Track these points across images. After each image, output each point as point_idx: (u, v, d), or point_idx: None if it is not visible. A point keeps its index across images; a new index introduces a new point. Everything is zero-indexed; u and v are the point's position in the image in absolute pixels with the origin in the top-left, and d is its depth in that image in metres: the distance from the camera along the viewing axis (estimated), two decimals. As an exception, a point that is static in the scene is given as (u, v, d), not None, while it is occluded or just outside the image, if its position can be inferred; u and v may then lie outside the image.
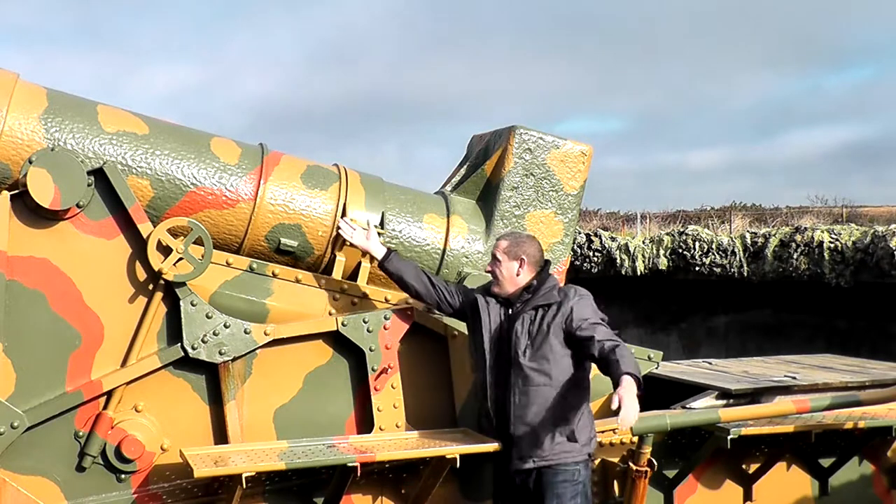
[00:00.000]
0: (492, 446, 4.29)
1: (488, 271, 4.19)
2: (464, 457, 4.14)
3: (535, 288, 4.06)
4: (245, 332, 4.18)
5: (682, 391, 5.41)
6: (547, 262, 4.19)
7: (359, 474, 4.05)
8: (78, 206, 3.99)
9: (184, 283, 4.08)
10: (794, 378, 5.62)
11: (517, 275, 4.08)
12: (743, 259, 16.53)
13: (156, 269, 4.03)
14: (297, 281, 4.35)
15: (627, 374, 3.72)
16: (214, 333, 4.13)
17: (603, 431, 4.78)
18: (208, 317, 4.12)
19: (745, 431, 4.63)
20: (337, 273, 4.50)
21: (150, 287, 4.10)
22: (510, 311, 4.07)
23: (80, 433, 4.04)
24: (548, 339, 3.95)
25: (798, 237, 15.60)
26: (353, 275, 4.58)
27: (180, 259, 4.07)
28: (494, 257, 4.14)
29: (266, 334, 4.22)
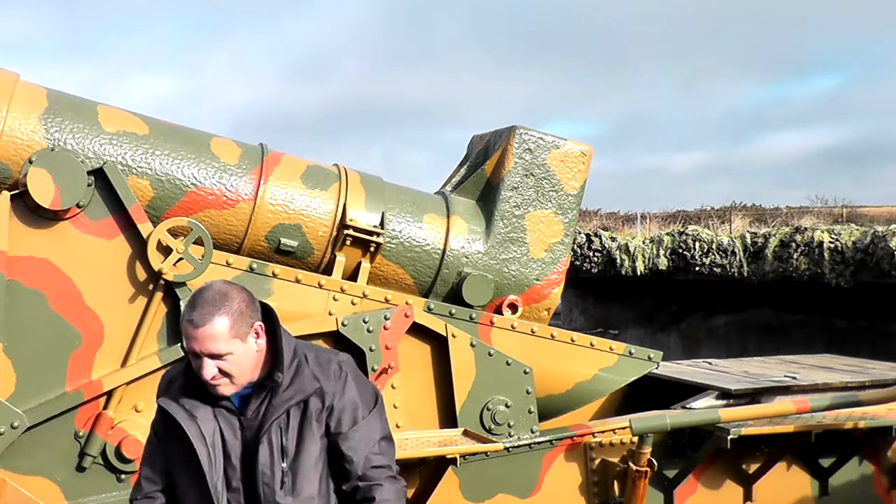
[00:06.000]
0: (494, 446, 4.30)
1: (201, 372, 2.48)
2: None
3: (274, 366, 2.55)
4: (245, 332, 4.17)
5: (682, 391, 5.41)
6: (270, 314, 2.60)
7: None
8: (78, 206, 3.99)
9: (184, 284, 4.08)
10: (794, 378, 5.62)
11: (258, 350, 2.53)
12: (743, 259, 16.52)
13: (156, 269, 4.03)
14: (297, 281, 4.35)
15: None
16: (214, 333, 4.12)
17: (603, 431, 4.79)
18: (208, 317, 4.12)
19: (745, 431, 4.63)
20: (337, 273, 4.50)
21: (151, 287, 4.10)
22: (241, 420, 2.55)
23: (81, 433, 4.04)
24: (308, 452, 2.55)
25: (798, 237, 15.60)
26: (353, 275, 4.58)
27: (180, 259, 4.07)
28: (212, 355, 2.45)
29: (266, 334, 4.21)
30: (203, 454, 2.49)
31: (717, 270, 16.78)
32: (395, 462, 2.63)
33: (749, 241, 16.58)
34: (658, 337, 18.68)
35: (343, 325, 4.33)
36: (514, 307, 4.76)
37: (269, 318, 2.58)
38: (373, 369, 4.36)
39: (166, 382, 2.65)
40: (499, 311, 4.75)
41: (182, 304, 4.06)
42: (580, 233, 18.42)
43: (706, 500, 5.00)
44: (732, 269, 16.61)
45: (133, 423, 4.06)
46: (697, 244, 17.09)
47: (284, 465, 2.52)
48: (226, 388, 2.50)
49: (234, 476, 2.54)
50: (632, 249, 18.04)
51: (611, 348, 4.90)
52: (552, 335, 4.78)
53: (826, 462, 5.23)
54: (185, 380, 2.58)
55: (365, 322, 4.37)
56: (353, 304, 4.43)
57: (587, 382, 4.85)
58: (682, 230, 18.03)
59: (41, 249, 3.97)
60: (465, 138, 5.41)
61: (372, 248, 4.57)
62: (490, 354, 4.57)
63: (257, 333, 2.52)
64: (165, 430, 2.60)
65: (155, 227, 4.08)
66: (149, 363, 4.08)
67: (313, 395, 2.55)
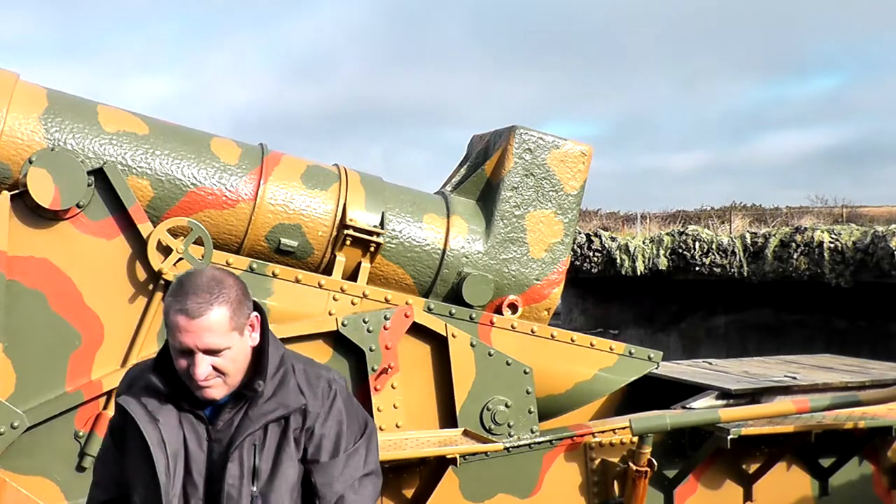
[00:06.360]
0: (494, 446, 4.30)
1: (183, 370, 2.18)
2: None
3: (256, 372, 2.23)
4: (245, 332, 4.17)
5: (682, 391, 5.41)
6: (260, 311, 2.28)
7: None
8: (78, 206, 3.99)
9: (184, 283, 4.07)
10: (794, 378, 5.62)
11: (252, 346, 2.24)
12: (743, 259, 16.54)
13: (156, 269, 4.04)
14: (297, 281, 4.35)
15: None
16: (214, 333, 4.12)
17: (603, 431, 4.79)
18: (208, 317, 4.11)
19: (745, 431, 4.63)
20: (337, 273, 4.50)
21: (151, 287, 4.10)
22: (209, 430, 2.24)
23: (81, 433, 4.04)
24: (284, 478, 2.23)
25: (798, 237, 15.62)
26: (353, 275, 4.58)
27: (180, 259, 4.07)
28: (209, 350, 2.14)
29: (266, 334, 4.21)
30: (161, 463, 2.17)
31: (717, 270, 16.80)
32: (375, 502, 2.31)
33: (749, 241, 16.60)
34: (658, 337, 18.69)
35: (343, 325, 4.33)
36: (514, 307, 4.76)
37: (264, 321, 2.27)
38: (373, 369, 4.36)
39: (128, 381, 2.32)
40: (499, 311, 4.75)
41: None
42: (580, 233, 18.44)
43: (706, 500, 5.00)
44: (732, 269, 16.62)
45: (133, 423, 4.06)
46: (697, 244, 17.11)
47: (255, 488, 2.19)
48: (218, 390, 2.18)
49: (195, 494, 2.20)
50: (632, 249, 18.05)
51: (611, 348, 4.90)
52: (552, 335, 4.78)
53: (826, 462, 5.23)
54: (152, 379, 2.23)
55: (365, 322, 4.37)
56: (353, 304, 4.43)
57: (587, 382, 4.85)
58: (682, 230, 18.05)
59: (41, 249, 3.97)
60: (465, 138, 5.42)
61: (372, 248, 4.57)
62: (490, 354, 4.57)
63: (252, 327, 2.22)
64: (122, 433, 2.28)
65: (155, 227, 4.08)
66: (149, 363, 4.08)
67: (296, 412, 2.22)
